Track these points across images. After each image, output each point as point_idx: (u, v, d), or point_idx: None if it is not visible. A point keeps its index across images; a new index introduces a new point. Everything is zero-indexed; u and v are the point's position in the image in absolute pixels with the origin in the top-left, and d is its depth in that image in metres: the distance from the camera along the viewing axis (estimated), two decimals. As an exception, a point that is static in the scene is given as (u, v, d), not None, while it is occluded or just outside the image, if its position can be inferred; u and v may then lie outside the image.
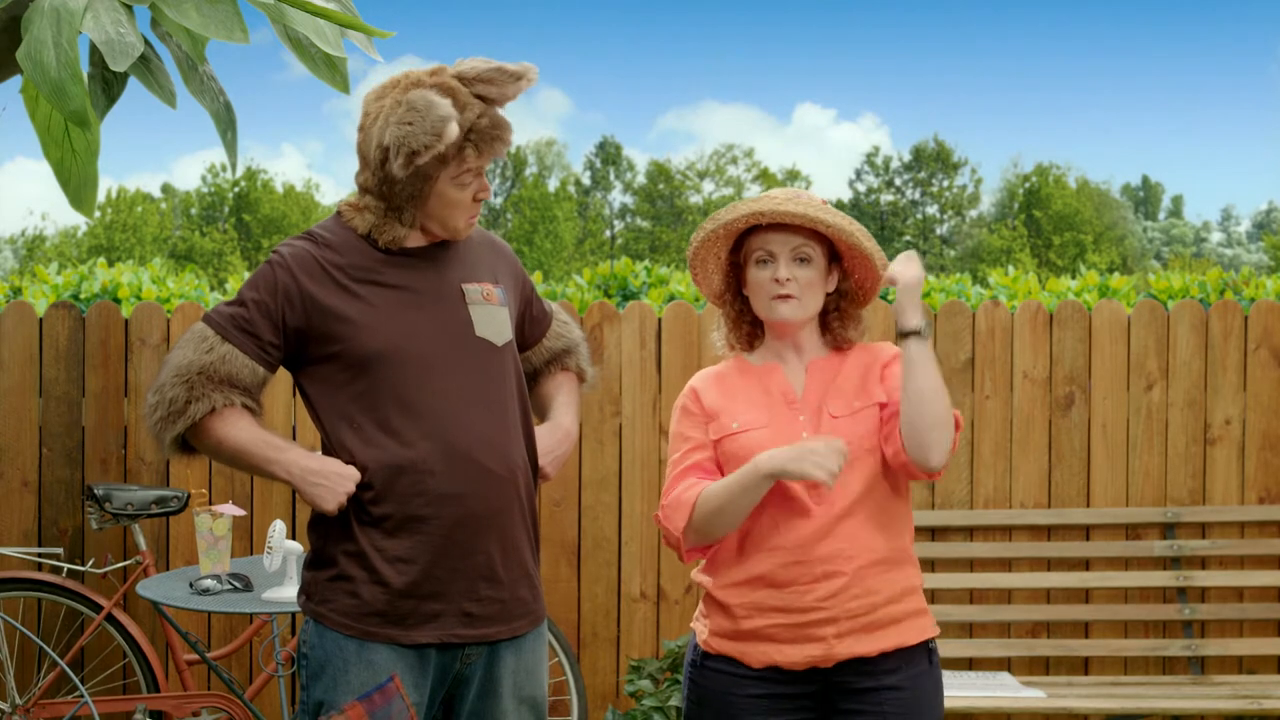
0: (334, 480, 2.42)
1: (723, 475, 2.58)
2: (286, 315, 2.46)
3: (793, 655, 2.55)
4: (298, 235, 2.56)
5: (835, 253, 2.60)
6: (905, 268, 2.52)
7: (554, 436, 2.72)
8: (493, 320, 2.57)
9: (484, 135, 2.45)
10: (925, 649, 2.61)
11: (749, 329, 2.67)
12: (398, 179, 2.44)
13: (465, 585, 2.48)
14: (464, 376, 2.49)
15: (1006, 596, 4.67)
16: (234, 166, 3.01)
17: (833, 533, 2.52)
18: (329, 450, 2.50)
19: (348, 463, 2.46)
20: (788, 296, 2.55)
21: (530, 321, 2.80)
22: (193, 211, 51.21)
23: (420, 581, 2.46)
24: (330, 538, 2.50)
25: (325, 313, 2.46)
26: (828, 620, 2.52)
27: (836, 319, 2.62)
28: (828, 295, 2.61)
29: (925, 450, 2.47)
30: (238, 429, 2.45)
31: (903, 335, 2.51)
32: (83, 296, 6.00)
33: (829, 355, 2.64)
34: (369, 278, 2.49)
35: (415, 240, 2.54)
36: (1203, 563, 4.68)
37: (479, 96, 2.46)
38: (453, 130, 2.38)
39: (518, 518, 2.55)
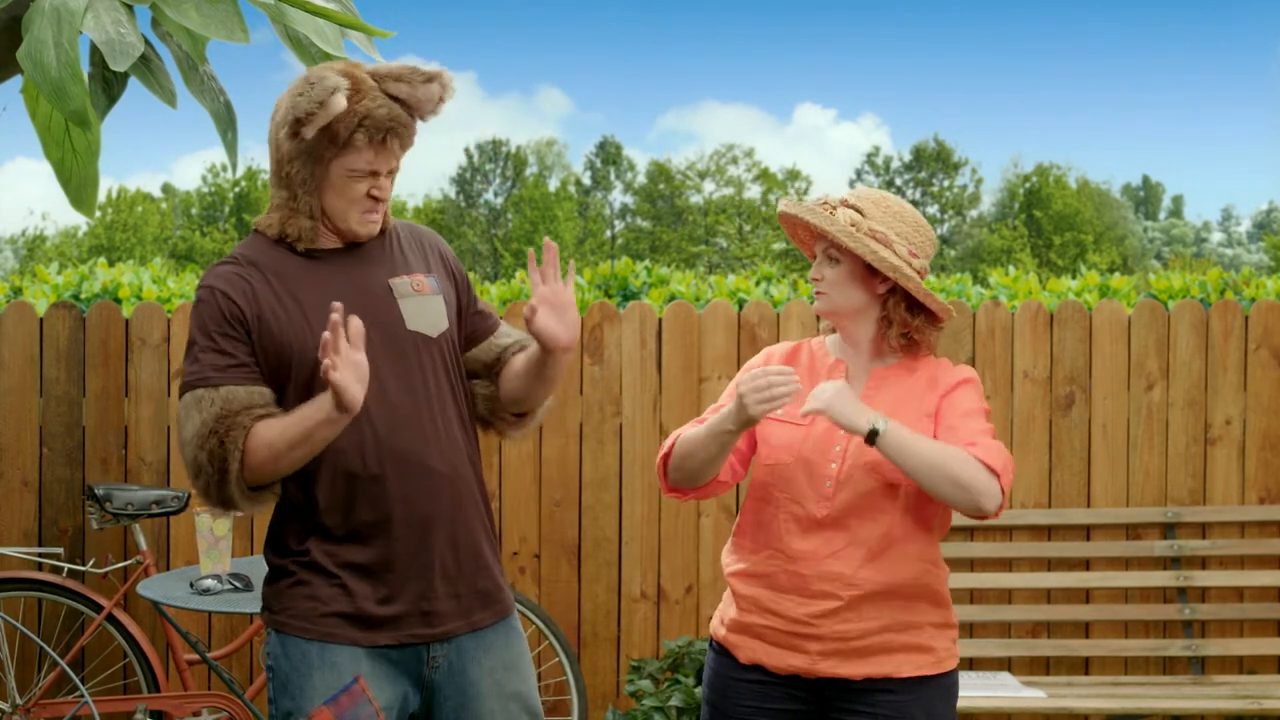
0: (350, 378, 2.30)
1: (752, 452, 2.68)
2: (243, 330, 2.43)
3: (778, 659, 2.59)
4: (219, 261, 2.53)
5: None
6: (817, 404, 2.45)
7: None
8: (425, 311, 2.52)
9: (378, 124, 2.39)
10: (925, 678, 2.59)
11: None
12: (291, 157, 2.42)
13: (419, 585, 2.47)
14: (398, 375, 2.46)
15: (1007, 596, 4.67)
16: (234, 166, 3.01)
17: (838, 555, 2.53)
18: None
19: (293, 475, 2.44)
20: (819, 292, 2.62)
21: (476, 314, 2.69)
22: (193, 211, 51.25)
23: (374, 585, 2.45)
24: (282, 551, 2.50)
25: (262, 325, 2.43)
26: (813, 637, 2.55)
27: (883, 319, 2.62)
28: (879, 296, 2.60)
29: (960, 507, 2.46)
30: (274, 428, 2.37)
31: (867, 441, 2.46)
32: (83, 296, 6.00)
33: (896, 365, 2.64)
34: (293, 286, 2.46)
35: (329, 240, 2.51)
36: (1203, 563, 4.68)
37: (391, 95, 2.43)
38: (338, 101, 2.35)
39: (468, 511, 2.53)
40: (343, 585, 2.44)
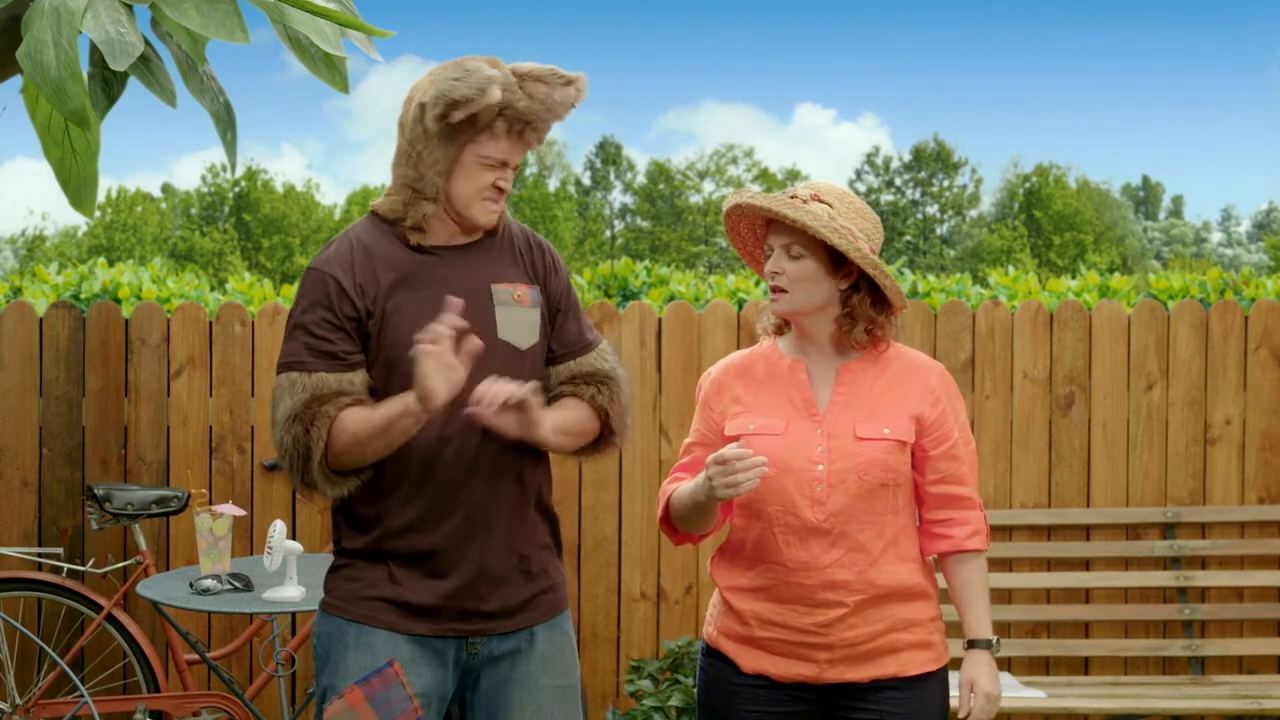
0: (439, 375, 2.32)
1: None
2: (349, 312, 2.45)
3: (784, 669, 2.58)
4: (331, 240, 2.55)
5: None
6: (992, 706, 2.62)
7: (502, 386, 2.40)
8: (519, 322, 2.53)
9: (519, 115, 2.44)
10: (928, 674, 2.60)
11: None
12: (431, 136, 2.44)
13: (464, 584, 2.48)
14: (477, 380, 2.44)
15: (1006, 596, 4.67)
16: (234, 166, 3.02)
17: (840, 562, 2.53)
18: None
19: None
20: (778, 290, 2.57)
21: (555, 333, 2.62)
22: (193, 211, 51.23)
23: (418, 577, 2.47)
24: (338, 540, 2.56)
25: (372, 312, 2.47)
26: (822, 646, 2.55)
27: (846, 316, 2.59)
28: (842, 292, 2.59)
29: None
30: (358, 417, 2.40)
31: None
32: (83, 296, 6.00)
33: (861, 358, 2.62)
34: (399, 280, 2.48)
35: (442, 233, 2.52)
36: (1203, 563, 4.68)
37: (528, 94, 2.46)
38: (495, 93, 2.39)
39: (527, 517, 2.54)
40: (388, 571, 2.48)
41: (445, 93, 2.39)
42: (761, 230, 2.66)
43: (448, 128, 2.42)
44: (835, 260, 2.55)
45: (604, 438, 2.63)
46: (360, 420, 2.39)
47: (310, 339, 2.43)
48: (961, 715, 2.59)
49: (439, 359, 2.29)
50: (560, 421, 2.53)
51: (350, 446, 2.39)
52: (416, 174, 2.47)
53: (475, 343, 2.34)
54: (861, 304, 2.57)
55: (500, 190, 2.49)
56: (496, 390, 2.37)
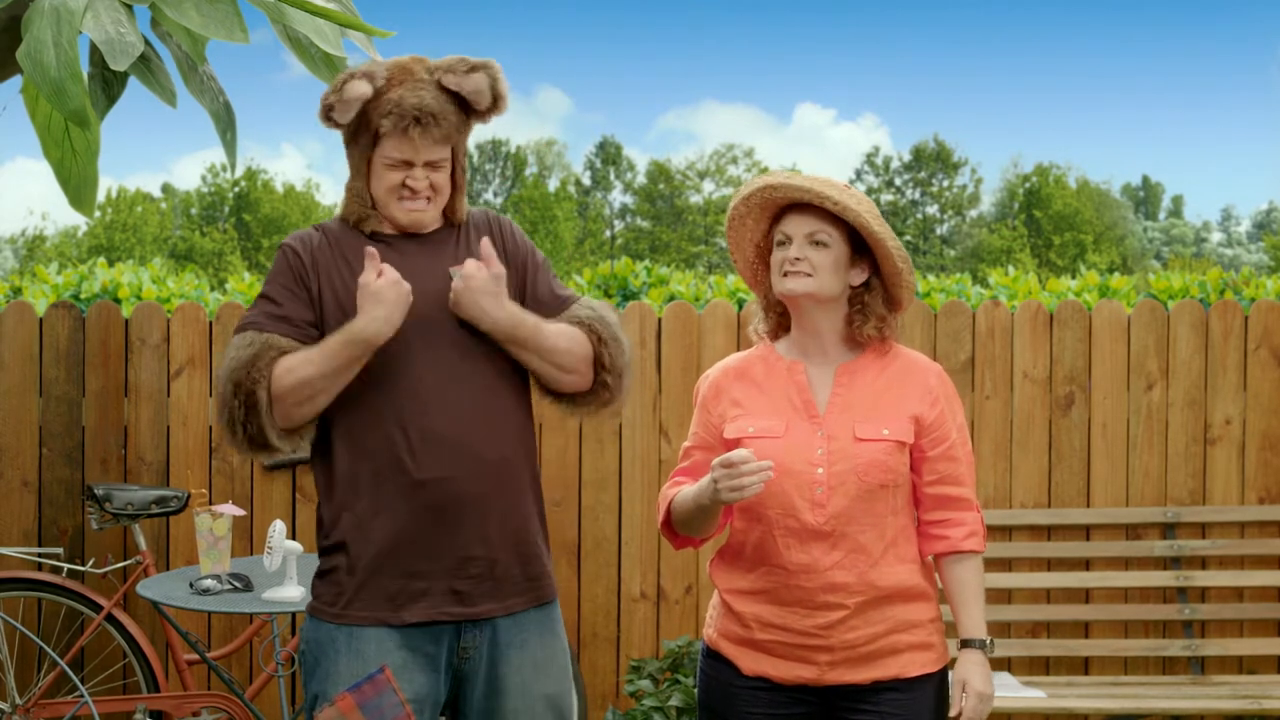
0: (388, 299, 2.40)
1: None
2: (310, 288, 2.50)
3: (785, 671, 2.57)
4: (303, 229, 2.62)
5: (864, 246, 2.58)
6: (986, 705, 2.61)
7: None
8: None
9: (403, 112, 2.45)
10: (928, 675, 2.60)
11: (778, 317, 2.67)
12: (345, 143, 2.53)
13: (451, 563, 2.47)
14: (441, 359, 2.47)
15: (1006, 596, 4.67)
16: (234, 166, 3.02)
17: (840, 564, 2.52)
18: (321, 431, 2.52)
19: (330, 452, 2.50)
20: (797, 273, 2.54)
21: (535, 303, 2.64)
22: (193, 211, 51.25)
23: (404, 562, 2.46)
24: (320, 539, 2.56)
25: (323, 285, 2.51)
26: (823, 648, 2.54)
27: (858, 313, 2.59)
28: (853, 289, 2.59)
29: None
30: (298, 355, 2.43)
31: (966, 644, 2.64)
32: (83, 296, 6.00)
33: (860, 358, 2.61)
34: (354, 261, 2.51)
35: (392, 228, 2.57)
36: (1203, 563, 4.68)
37: (443, 87, 2.49)
38: (355, 88, 2.43)
39: (511, 495, 2.54)
40: (370, 564, 2.46)
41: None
42: (767, 225, 2.65)
43: (349, 132, 2.50)
44: (854, 253, 2.56)
45: (599, 383, 2.59)
46: (300, 357, 2.41)
47: (270, 305, 2.50)
48: (953, 715, 2.59)
49: (377, 292, 2.37)
50: (547, 323, 2.54)
51: (292, 385, 2.40)
52: (350, 178, 2.56)
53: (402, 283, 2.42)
54: (874, 301, 2.58)
55: (412, 190, 2.50)
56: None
